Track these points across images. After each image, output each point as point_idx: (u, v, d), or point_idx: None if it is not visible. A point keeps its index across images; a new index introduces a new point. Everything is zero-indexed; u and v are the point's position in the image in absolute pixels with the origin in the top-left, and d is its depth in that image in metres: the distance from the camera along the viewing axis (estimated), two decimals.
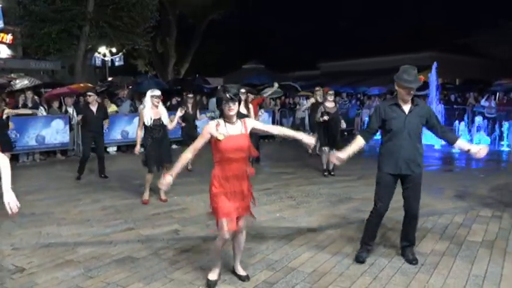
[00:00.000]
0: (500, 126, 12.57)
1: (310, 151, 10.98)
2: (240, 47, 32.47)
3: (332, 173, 8.20)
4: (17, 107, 10.07)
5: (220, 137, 3.28)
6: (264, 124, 3.81)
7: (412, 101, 3.79)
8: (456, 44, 31.65)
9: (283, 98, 17.28)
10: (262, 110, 14.42)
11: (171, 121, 6.31)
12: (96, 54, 22.11)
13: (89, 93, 8.30)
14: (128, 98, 13.83)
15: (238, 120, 3.39)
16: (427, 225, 5.00)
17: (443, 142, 13.14)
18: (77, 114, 9.31)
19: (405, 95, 3.74)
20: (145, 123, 6.08)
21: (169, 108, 9.41)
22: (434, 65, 13.23)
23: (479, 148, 3.87)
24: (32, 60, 19.35)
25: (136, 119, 10.92)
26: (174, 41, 24.71)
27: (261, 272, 3.77)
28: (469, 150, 3.88)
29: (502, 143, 12.37)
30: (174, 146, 10.66)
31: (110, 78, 22.53)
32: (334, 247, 4.38)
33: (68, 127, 10.97)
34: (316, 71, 32.40)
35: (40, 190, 7.06)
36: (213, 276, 3.53)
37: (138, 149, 6.42)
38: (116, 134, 11.62)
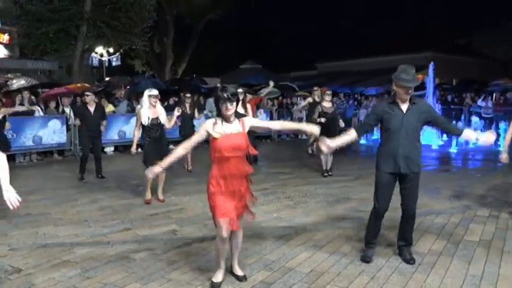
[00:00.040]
0: (497, 126, 12.60)
1: (310, 151, 11.05)
2: (237, 47, 32.47)
3: (330, 173, 8.21)
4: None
5: (216, 135, 3.28)
6: (263, 121, 3.79)
7: (410, 100, 3.79)
8: (455, 44, 31.75)
9: (280, 98, 17.30)
10: (261, 111, 14.43)
11: (169, 120, 6.31)
12: (94, 54, 22.06)
13: (87, 93, 8.28)
14: (125, 98, 13.81)
15: (236, 120, 3.38)
16: (424, 225, 5.01)
17: (441, 142, 13.19)
18: (74, 115, 9.28)
19: (403, 95, 3.75)
20: (143, 123, 6.08)
21: (167, 108, 9.40)
22: (431, 65, 13.26)
23: (487, 135, 3.83)
24: (29, 60, 19.28)
25: (133, 119, 10.89)
26: (171, 41, 24.68)
27: (259, 272, 3.77)
28: (477, 139, 3.86)
29: (499, 143, 12.41)
30: (171, 146, 10.64)
31: (107, 78, 22.48)
32: (332, 247, 4.38)
33: (65, 127, 10.94)
34: (314, 71, 32.46)
35: (37, 190, 7.04)
36: (217, 278, 3.50)
37: (134, 148, 6.41)
38: (113, 134, 11.59)
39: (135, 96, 13.28)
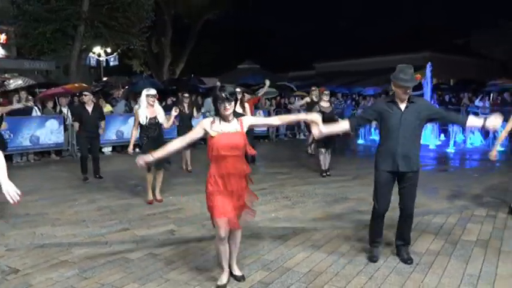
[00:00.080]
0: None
1: (309, 151, 11.05)
2: (235, 47, 32.45)
3: (328, 173, 8.22)
4: None
5: (213, 134, 3.28)
6: (262, 118, 3.78)
7: (409, 99, 3.80)
8: (453, 44, 31.81)
9: (278, 98, 17.31)
10: (261, 112, 14.43)
11: (167, 120, 6.30)
12: (91, 54, 22.01)
13: (85, 93, 8.26)
14: (123, 98, 13.80)
15: (235, 119, 3.38)
16: (422, 225, 5.02)
17: (438, 142, 13.20)
18: (72, 115, 9.26)
19: (402, 94, 3.76)
20: (141, 122, 6.07)
21: (165, 108, 9.40)
22: (429, 65, 13.29)
23: (493, 118, 3.73)
24: (26, 60, 19.23)
25: (131, 119, 10.88)
26: (169, 41, 24.66)
27: (257, 272, 3.77)
28: (483, 126, 3.78)
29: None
30: None
31: (104, 78, 22.45)
32: (330, 247, 4.39)
33: (62, 127, 10.92)
34: (312, 71, 32.48)
35: (34, 191, 7.02)
36: (221, 281, 3.49)
37: (131, 148, 6.40)
38: (110, 134, 11.57)
39: (133, 96, 13.26)
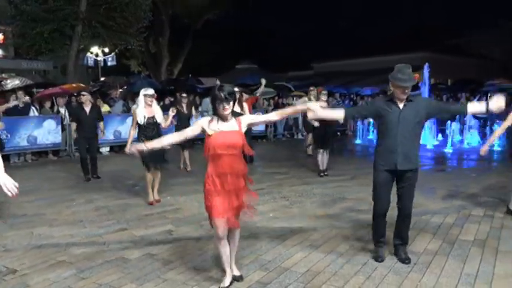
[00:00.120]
0: (492, 126, 12.67)
1: (309, 151, 11.05)
2: (233, 47, 32.45)
3: (326, 173, 8.22)
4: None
5: (210, 132, 3.28)
6: (260, 116, 3.76)
7: (407, 98, 3.80)
8: (451, 44, 31.83)
9: (276, 98, 17.31)
10: (259, 112, 14.43)
11: (165, 120, 6.30)
12: (89, 54, 21.98)
13: (83, 93, 8.25)
14: (121, 98, 13.78)
15: (233, 118, 3.37)
16: (419, 225, 5.03)
17: (436, 142, 13.23)
18: (69, 115, 9.24)
19: (400, 94, 3.76)
20: (139, 122, 6.06)
21: (162, 108, 9.40)
22: (426, 66, 13.32)
23: (496, 99, 3.62)
24: (23, 60, 19.21)
25: (129, 119, 10.88)
26: (167, 41, 24.63)
27: (254, 272, 3.77)
28: (488, 110, 3.67)
29: (494, 142, 12.46)
30: (167, 146, 10.61)
31: (102, 78, 22.39)
32: (328, 247, 4.39)
33: (60, 127, 10.90)
34: (310, 71, 32.51)
35: (32, 191, 7.00)
36: (224, 283, 3.47)
37: (128, 148, 6.39)
38: (108, 134, 11.52)
39: (130, 97, 13.25)
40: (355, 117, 4.19)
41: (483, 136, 12.66)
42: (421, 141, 4.16)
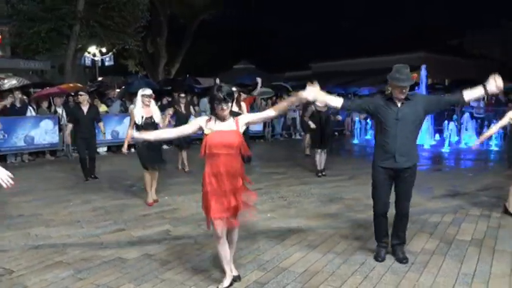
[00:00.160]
0: (489, 126, 12.71)
1: (307, 152, 11.06)
2: (231, 47, 32.43)
3: (323, 173, 8.23)
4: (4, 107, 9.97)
5: (207, 131, 3.27)
6: (257, 114, 3.74)
7: (405, 97, 3.81)
8: (453, 44, 31.86)
9: (274, 98, 17.31)
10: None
11: (163, 120, 6.29)
12: (86, 54, 21.91)
13: (81, 93, 8.23)
14: (118, 98, 13.75)
15: (231, 118, 3.37)
16: (417, 224, 5.04)
17: (433, 142, 13.26)
18: (67, 115, 9.20)
19: (398, 94, 3.77)
20: (137, 122, 6.05)
21: (160, 109, 9.41)
22: (424, 67, 13.35)
23: (491, 80, 3.56)
24: (20, 59, 19.14)
25: (126, 119, 10.85)
26: (164, 41, 24.58)
27: (252, 273, 3.77)
28: (486, 93, 3.62)
29: (491, 142, 12.53)
30: (165, 147, 10.62)
31: (100, 78, 22.35)
32: (325, 247, 4.39)
33: (57, 127, 10.87)
34: (308, 71, 32.51)
35: (29, 191, 6.98)
36: (223, 284, 3.46)
37: (125, 148, 6.38)
38: (106, 134, 11.52)
39: (128, 97, 13.22)
40: (351, 107, 4.17)
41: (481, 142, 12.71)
42: (418, 141, 4.17)
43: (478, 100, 15.83)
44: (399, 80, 3.71)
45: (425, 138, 12.56)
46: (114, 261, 4.06)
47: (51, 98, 11.64)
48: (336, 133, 15.71)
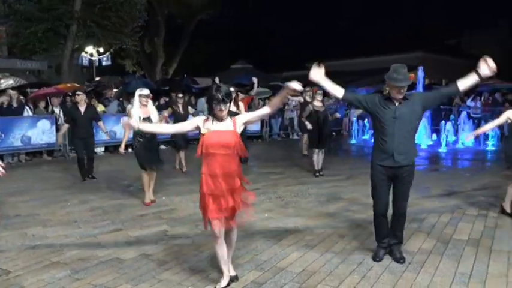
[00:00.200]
0: None
1: (305, 152, 11.07)
2: (229, 47, 32.41)
3: (321, 173, 8.23)
4: (1, 107, 9.93)
5: (204, 131, 3.27)
6: (254, 112, 3.73)
7: (403, 97, 3.82)
8: (451, 44, 31.90)
9: (271, 98, 17.32)
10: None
11: (161, 119, 6.29)
12: (83, 53, 21.86)
13: (78, 93, 8.21)
14: (116, 98, 13.72)
15: (228, 118, 3.37)
16: (414, 224, 5.05)
17: (430, 142, 13.28)
18: (64, 115, 9.18)
19: (396, 94, 3.78)
20: None
21: (157, 109, 9.39)
22: (421, 68, 13.37)
23: (482, 63, 3.62)
24: (17, 59, 19.05)
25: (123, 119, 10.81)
26: (162, 41, 24.56)
27: (250, 273, 3.77)
28: (480, 77, 3.64)
29: (488, 142, 12.57)
30: (162, 147, 10.62)
31: (97, 78, 22.30)
32: (323, 246, 4.40)
33: (54, 127, 10.83)
34: (306, 71, 32.49)
35: (25, 191, 6.96)
36: (220, 285, 3.46)
37: (122, 148, 6.38)
38: (103, 134, 11.46)
39: (125, 97, 13.19)
40: (350, 100, 4.20)
41: (477, 137, 12.72)
42: (416, 141, 4.18)
43: (475, 100, 15.89)
44: (397, 80, 3.72)
45: (423, 138, 12.59)
46: (112, 261, 4.05)
47: (48, 98, 11.61)
48: (334, 133, 15.73)
